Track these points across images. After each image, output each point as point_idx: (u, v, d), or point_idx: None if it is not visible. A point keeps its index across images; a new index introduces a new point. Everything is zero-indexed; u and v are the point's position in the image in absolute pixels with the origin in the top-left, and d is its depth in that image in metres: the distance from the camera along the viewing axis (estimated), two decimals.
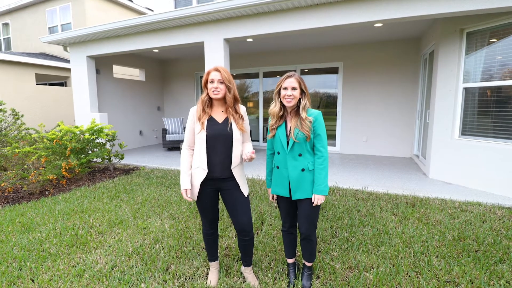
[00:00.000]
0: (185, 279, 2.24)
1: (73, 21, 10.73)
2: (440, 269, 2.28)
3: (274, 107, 1.99)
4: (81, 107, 7.04)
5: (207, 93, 1.96)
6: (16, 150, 4.76)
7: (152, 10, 12.24)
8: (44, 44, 11.33)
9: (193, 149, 2.03)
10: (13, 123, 6.52)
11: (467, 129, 4.43)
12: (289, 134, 1.95)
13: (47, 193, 4.46)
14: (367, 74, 6.96)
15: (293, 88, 1.89)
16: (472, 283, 2.12)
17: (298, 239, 2.37)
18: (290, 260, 2.25)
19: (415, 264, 2.36)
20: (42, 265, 2.44)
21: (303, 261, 2.18)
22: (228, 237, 2.89)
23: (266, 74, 8.17)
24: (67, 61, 10.72)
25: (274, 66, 7.95)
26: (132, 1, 12.46)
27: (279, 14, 4.65)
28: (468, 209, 3.42)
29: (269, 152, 2.16)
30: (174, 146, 8.01)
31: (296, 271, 2.25)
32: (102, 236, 2.95)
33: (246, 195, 2.03)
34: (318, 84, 7.62)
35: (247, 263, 2.18)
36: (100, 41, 6.44)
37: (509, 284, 2.10)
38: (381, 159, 6.57)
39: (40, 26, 11.44)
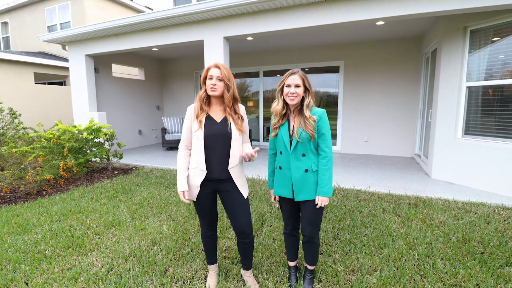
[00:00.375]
0: (183, 282, 2.18)
1: (72, 20, 10.67)
2: (446, 272, 2.22)
3: (277, 105, 1.92)
4: (79, 106, 6.97)
5: (205, 90, 1.89)
6: (13, 150, 4.70)
7: (152, 9, 12.20)
8: (43, 43, 11.27)
9: (190, 149, 1.97)
10: (11, 122, 6.46)
11: (470, 129, 4.37)
12: (292, 133, 1.87)
13: (44, 193, 4.40)
14: (368, 73, 6.89)
15: (297, 86, 1.82)
16: (478, 287, 2.06)
17: (300, 242, 2.31)
18: (292, 263, 2.19)
19: (420, 267, 2.30)
20: (37, 268, 2.38)
21: (305, 264, 2.12)
22: (227, 238, 2.83)
23: (267, 73, 8.10)
24: (66, 60, 10.64)
25: (274, 65, 7.87)
26: (131, 0, 12.40)
27: (280, 12, 4.59)
28: (472, 210, 3.36)
29: (271, 152, 2.09)
30: (174, 146, 7.95)
31: (298, 275, 2.19)
32: (99, 238, 2.89)
33: (245, 197, 1.97)
34: (319, 83, 7.56)
35: (247, 266, 2.13)
36: (98, 40, 6.37)
37: None
38: (382, 158, 6.51)
39: (39, 25, 11.39)
